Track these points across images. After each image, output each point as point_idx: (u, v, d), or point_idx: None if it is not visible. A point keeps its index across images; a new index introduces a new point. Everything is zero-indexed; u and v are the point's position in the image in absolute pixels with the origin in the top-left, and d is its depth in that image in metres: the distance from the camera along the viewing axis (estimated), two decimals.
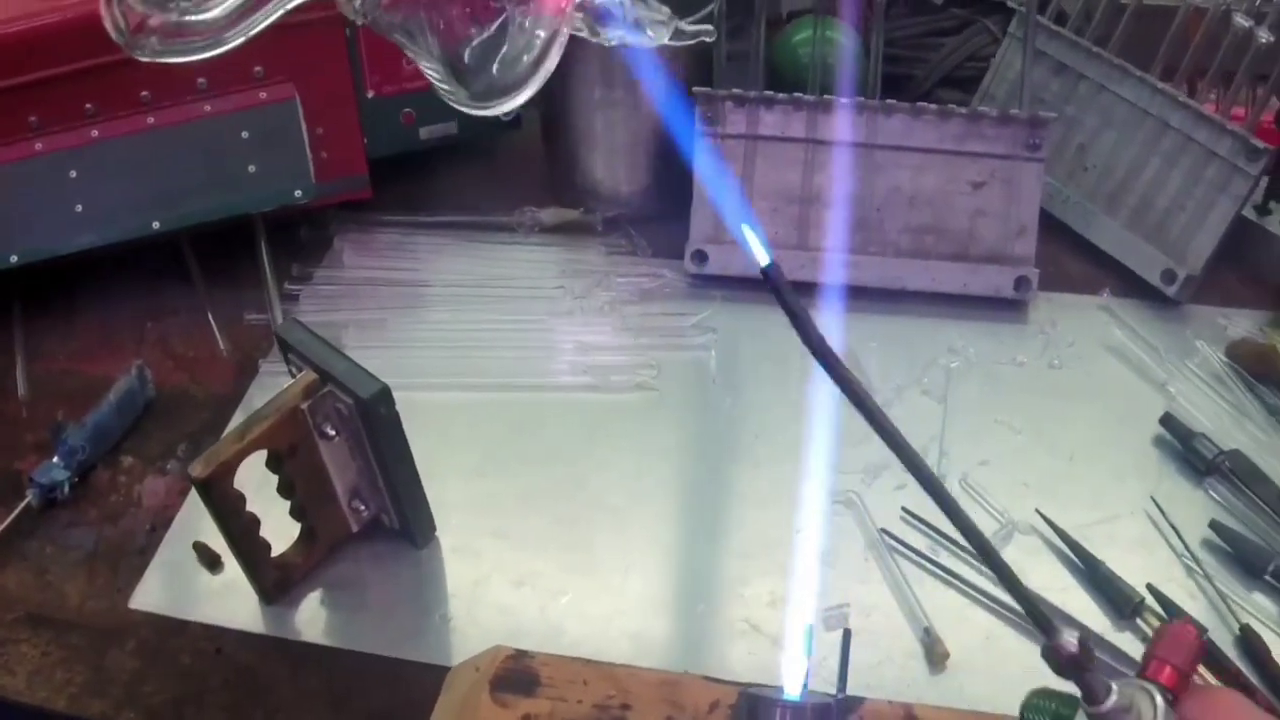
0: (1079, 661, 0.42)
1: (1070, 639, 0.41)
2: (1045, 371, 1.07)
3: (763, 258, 0.45)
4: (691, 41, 0.63)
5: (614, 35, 0.60)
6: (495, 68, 0.59)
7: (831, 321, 1.10)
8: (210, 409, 1.04)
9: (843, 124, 1.12)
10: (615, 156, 1.21)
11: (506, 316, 1.10)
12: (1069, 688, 0.46)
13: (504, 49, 0.58)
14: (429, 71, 0.60)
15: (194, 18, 0.51)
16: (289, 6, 0.54)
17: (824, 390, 1.02)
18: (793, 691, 0.59)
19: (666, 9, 0.61)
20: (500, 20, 0.57)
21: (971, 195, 1.12)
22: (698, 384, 1.06)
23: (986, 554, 0.44)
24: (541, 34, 0.58)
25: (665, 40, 0.61)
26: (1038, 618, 0.42)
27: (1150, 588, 0.86)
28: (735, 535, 0.92)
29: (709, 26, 0.66)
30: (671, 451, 1.00)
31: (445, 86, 0.60)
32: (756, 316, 1.11)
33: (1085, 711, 0.42)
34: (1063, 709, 0.45)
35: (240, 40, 0.54)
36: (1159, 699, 0.41)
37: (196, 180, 1.09)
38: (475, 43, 0.58)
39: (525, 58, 0.58)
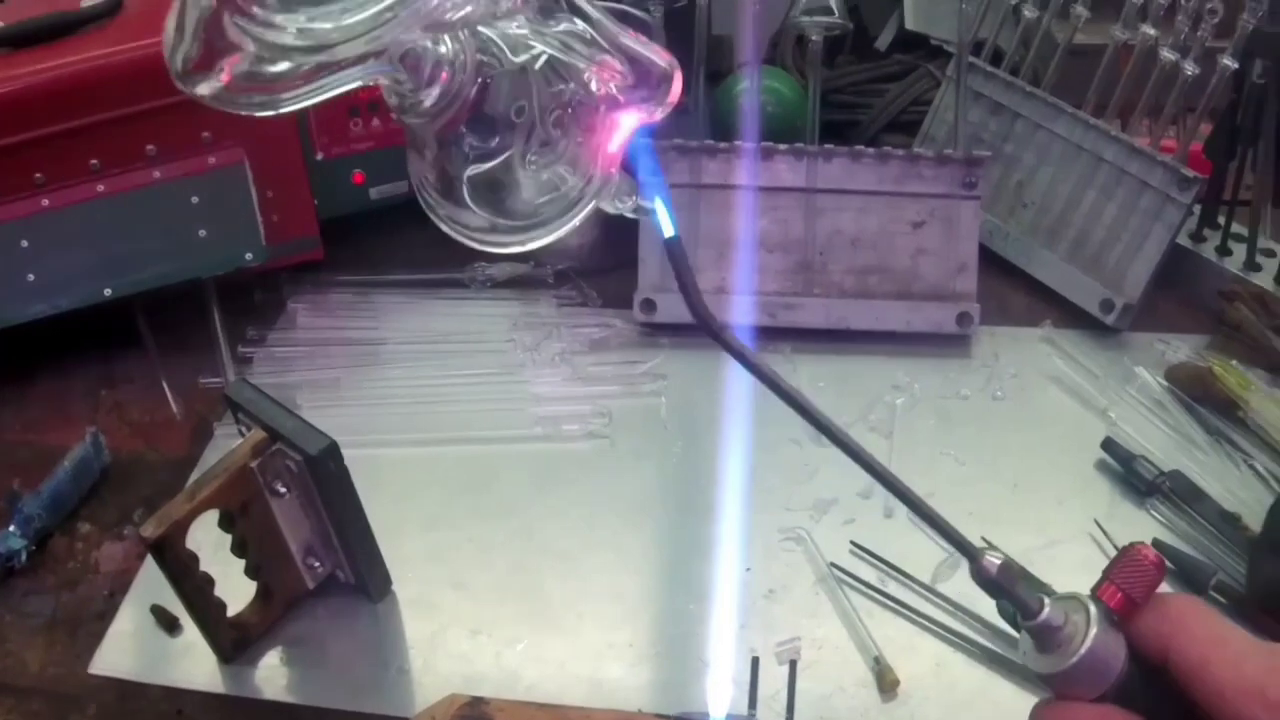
0: (1001, 581, 0.43)
1: (993, 560, 0.43)
2: (989, 403, 1.09)
3: (668, 229, 0.46)
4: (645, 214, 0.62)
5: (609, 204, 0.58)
6: (499, 205, 0.56)
7: (779, 364, 1.11)
8: (166, 473, 1.04)
9: (783, 170, 1.14)
10: None
11: (459, 371, 1.11)
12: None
13: (515, 189, 0.55)
14: (425, 195, 0.57)
15: (269, 69, 0.48)
16: (349, 86, 0.51)
17: (773, 433, 1.04)
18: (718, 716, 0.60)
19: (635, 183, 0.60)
20: (504, 157, 0.55)
21: (912, 235, 1.14)
22: (649, 430, 1.07)
23: (904, 497, 0.45)
24: (572, 186, 0.55)
25: (628, 214, 0.60)
26: (960, 543, 0.44)
27: None
28: (687, 576, 0.93)
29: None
30: (624, 497, 1.00)
31: (436, 208, 0.57)
32: (706, 362, 1.11)
33: (1023, 626, 0.44)
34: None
35: (296, 107, 0.50)
36: (1092, 607, 0.43)
37: (147, 246, 1.10)
38: (478, 171, 0.55)
39: (538, 204, 0.56)
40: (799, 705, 0.80)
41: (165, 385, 1.12)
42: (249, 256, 1.13)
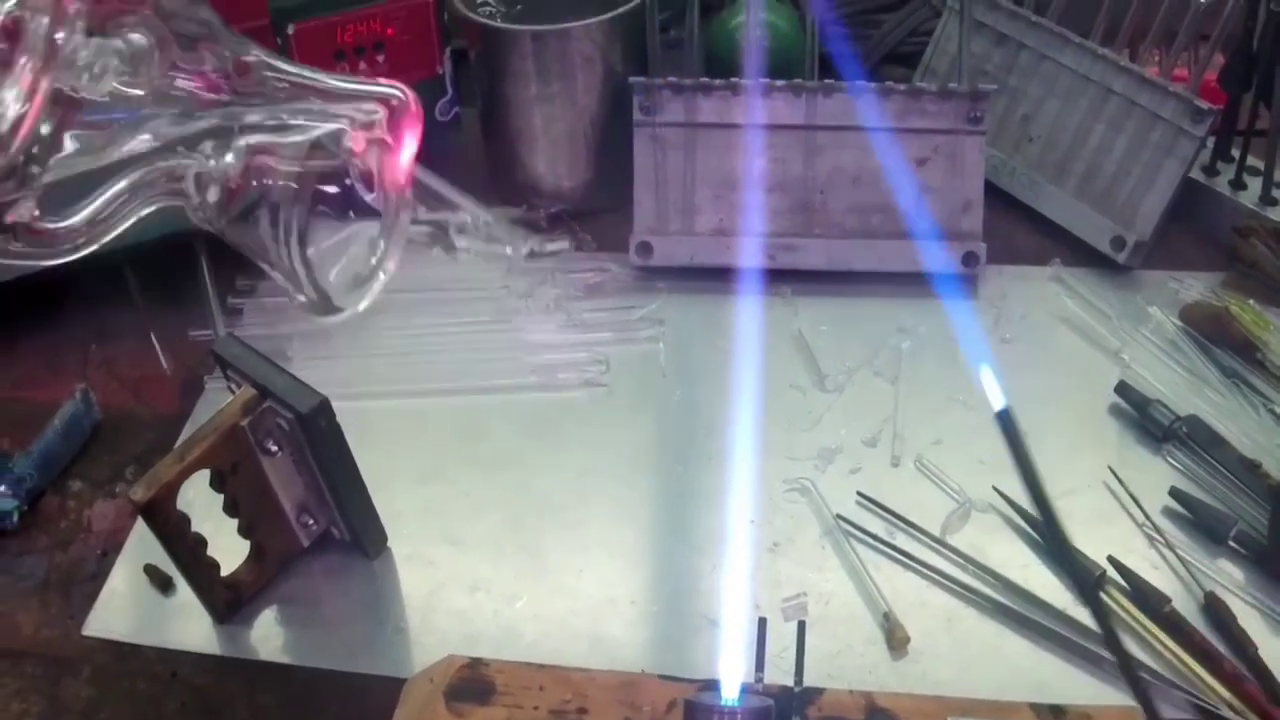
0: None
1: None
2: (997, 346, 1.06)
3: (997, 401, 0.44)
4: (548, 256, 0.60)
5: (469, 247, 0.56)
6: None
7: (779, 307, 1.09)
8: (157, 430, 1.03)
9: (781, 107, 1.11)
10: (555, 151, 1.20)
11: (452, 320, 1.09)
12: None
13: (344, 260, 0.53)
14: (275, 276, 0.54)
15: (56, 224, 0.45)
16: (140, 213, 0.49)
17: (775, 378, 1.02)
18: (730, 694, 0.58)
19: (524, 233, 0.57)
20: (348, 231, 0.52)
21: (915, 172, 1.11)
22: (647, 377, 1.05)
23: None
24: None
25: (521, 255, 0.58)
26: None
27: (1112, 560, 0.85)
28: (689, 529, 0.92)
29: (565, 244, 0.64)
30: (622, 447, 0.99)
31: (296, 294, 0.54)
32: (704, 306, 1.10)
33: None
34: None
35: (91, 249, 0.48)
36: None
37: None
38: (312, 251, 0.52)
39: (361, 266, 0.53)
40: (806, 664, 0.79)
41: (154, 340, 1.10)
42: None
